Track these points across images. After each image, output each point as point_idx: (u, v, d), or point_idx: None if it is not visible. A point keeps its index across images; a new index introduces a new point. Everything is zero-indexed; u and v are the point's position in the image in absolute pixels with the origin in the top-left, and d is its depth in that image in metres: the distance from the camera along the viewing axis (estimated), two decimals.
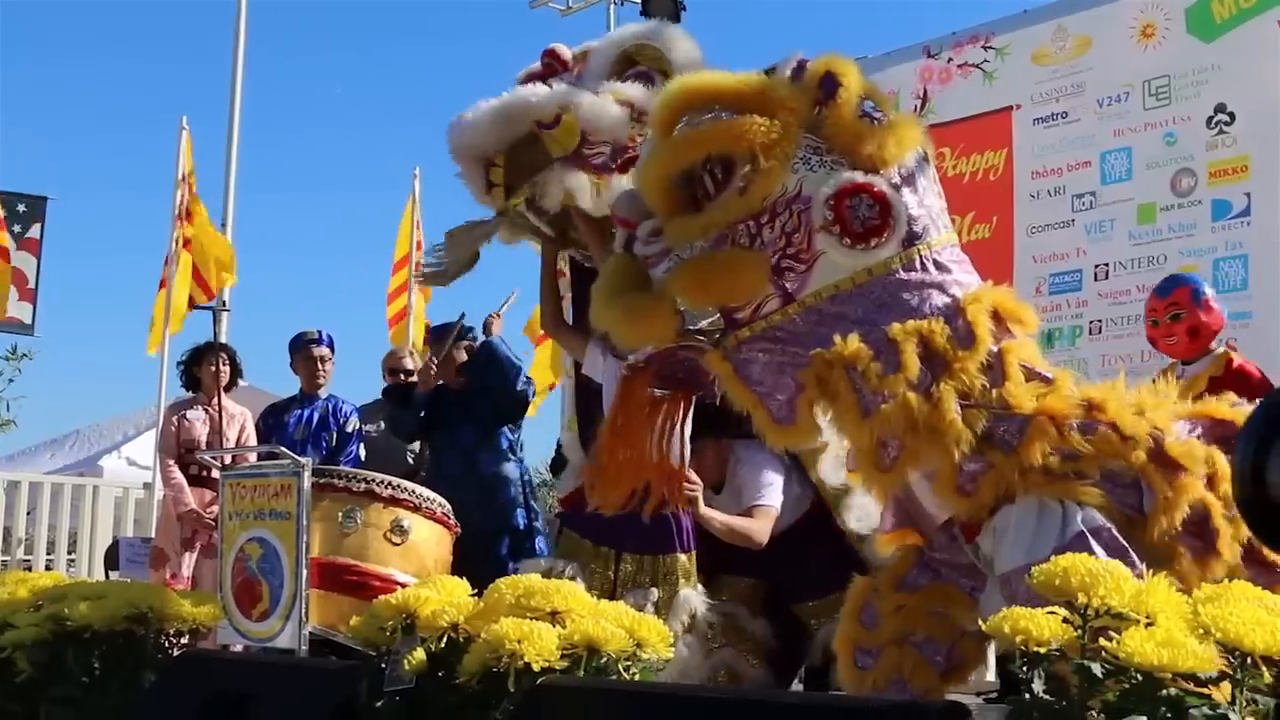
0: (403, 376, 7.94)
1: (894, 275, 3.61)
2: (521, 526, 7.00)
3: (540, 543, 7.00)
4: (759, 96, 3.66)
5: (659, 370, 4.02)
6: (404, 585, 4.60)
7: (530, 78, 5.38)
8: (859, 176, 3.59)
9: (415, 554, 5.39)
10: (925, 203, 3.71)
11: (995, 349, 3.56)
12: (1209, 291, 6.06)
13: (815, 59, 3.76)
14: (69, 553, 12.38)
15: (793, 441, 3.88)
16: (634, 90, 5.16)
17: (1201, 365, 5.95)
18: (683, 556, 5.16)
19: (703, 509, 5.12)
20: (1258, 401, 3.47)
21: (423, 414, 7.01)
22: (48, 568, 11.41)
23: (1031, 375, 3.57)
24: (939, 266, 3.67)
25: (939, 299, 3.61)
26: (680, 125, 3.75)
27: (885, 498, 3.82)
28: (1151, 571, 2.53)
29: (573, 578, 3.82)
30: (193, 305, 9.90)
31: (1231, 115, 7.61)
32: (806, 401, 3.59)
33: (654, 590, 5.05)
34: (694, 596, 5.11)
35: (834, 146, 3.65)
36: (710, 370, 3.79)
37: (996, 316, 3.62)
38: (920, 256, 3.64)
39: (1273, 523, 0.96)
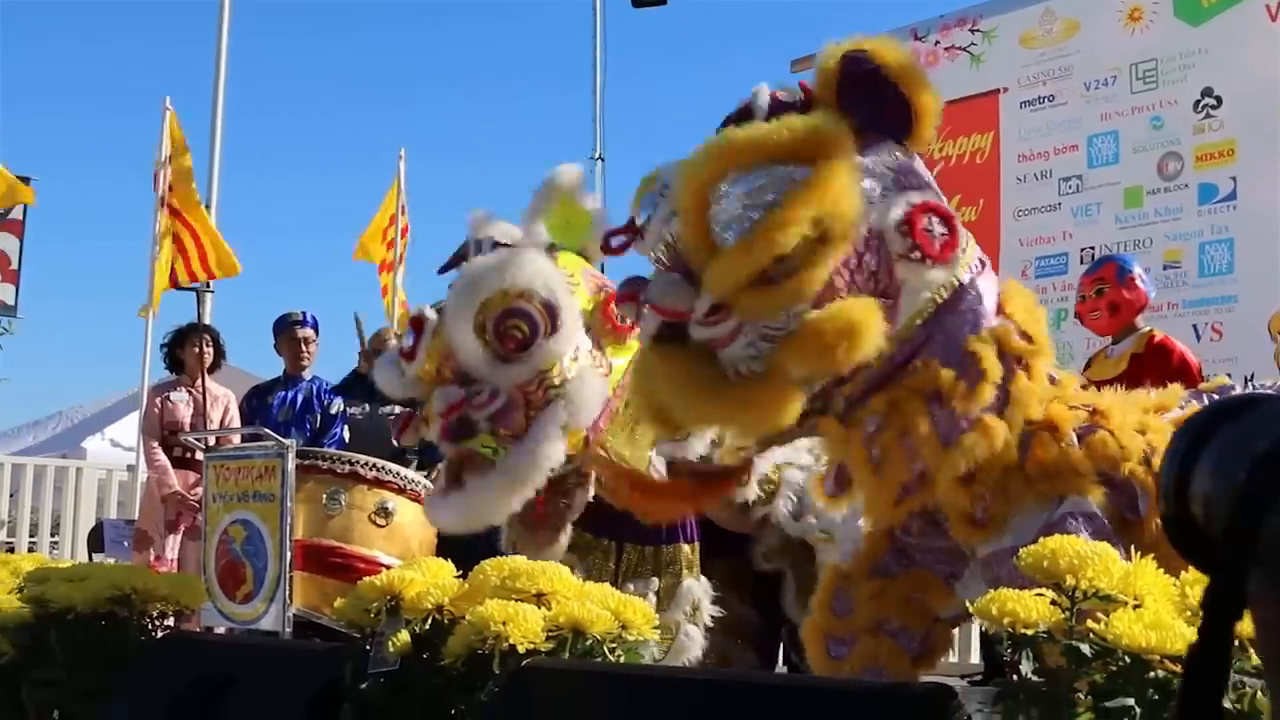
0: None
1: (961, 285, 3.43)
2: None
3: None
4: (811, 142, 3.25)
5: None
6: (388, 567, 4.59)
7: (443, 429, 4.62)
8: (915, 197, 3.38)
9: (400, 536, 5.39)
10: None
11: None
12: (1137, 270, 6.13)
13: (823, 50, 3.44)
14: (52, 535, 12.34)
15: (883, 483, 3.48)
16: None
17: (1127, 343, 6.07)
18: (685, 547, 5.15)
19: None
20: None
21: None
22: (31, 550, 11.37)
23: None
24: (980, 270, 3.51)
25: (988, 300, 3.47)
26: (721, 191, 3.26)
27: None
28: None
29: (570, 568, 3.79)
30: (175, 285, 9.84)
31: (1218, 99, 7.63)
32: (892, 440, 3.32)
33: (655, 580, 5.04)
34: (696, 587, 5.10)
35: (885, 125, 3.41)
36: (827, 441, 3.51)
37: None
38: (970, 263, 3.47)
39: (1194, 538, 0.95)
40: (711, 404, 3.28)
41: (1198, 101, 7.71)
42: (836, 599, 3.62)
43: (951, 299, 3.40)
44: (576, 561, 4.93)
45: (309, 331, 7.97)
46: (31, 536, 12.05)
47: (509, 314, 4.32)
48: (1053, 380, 3.49)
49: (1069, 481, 3.32)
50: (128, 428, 12.91)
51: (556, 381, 4.40)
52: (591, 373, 4.52)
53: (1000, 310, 3.48)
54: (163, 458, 7.90)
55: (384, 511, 5.36)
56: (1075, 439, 3.36)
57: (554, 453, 4.31)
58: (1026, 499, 3.32)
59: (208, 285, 9.69)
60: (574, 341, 4.49)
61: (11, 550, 11.12)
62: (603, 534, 5.15)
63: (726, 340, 3.23)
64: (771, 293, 3.20)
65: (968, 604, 2.31)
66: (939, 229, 3.36)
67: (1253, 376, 7.02)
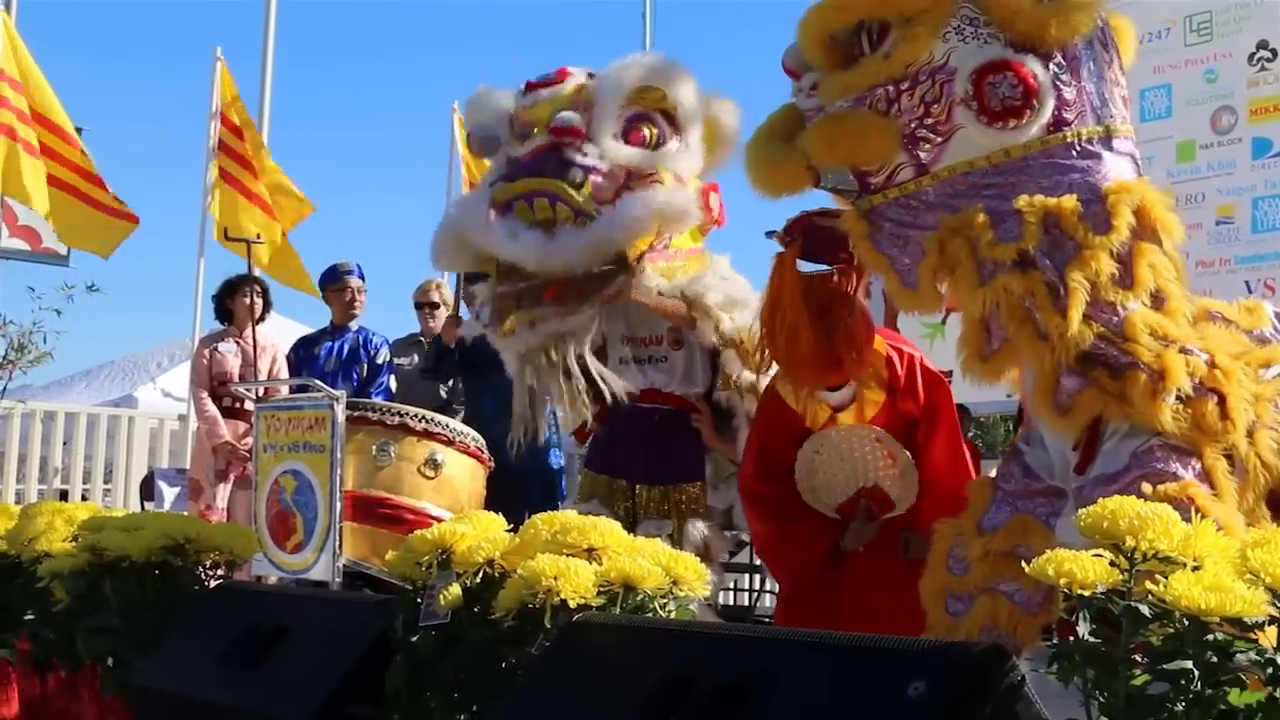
0: (427, 309, 7.95)
1: (1032, 158, 3.44)
2: (556, 466, 7.05)
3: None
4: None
5: (804, 240, 4.13)
6: (437, 519, 4.61)
7: (538, 151, 4.85)
8: (1010, 54, 3.42)
9: (449, 488, 5.41)
10: (1087, 89, 3.49)
11: (1127, 246, 3.36)
12: None
13: None
14: (105, 483, 12.46)
15: (919, 308, 3.61)
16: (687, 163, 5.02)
17: None
18: (693, 488, 5.21)
19: (712, 438, 5.18)
20: None
21: (457, 357, 6.98)
22: (84, 498, 11.50)
23: (1157, 296, 3.39)
24: (1088, 155, 3.46)
25: (1080, 183, 3.42)
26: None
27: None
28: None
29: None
30: (227, 237, 9.89)
31: (1273, 52, 7.53)
32: (928, 269, 3.46)
33: (668, 522, 5.09)
34: (701, 526, 5.16)
35: (993, 19, 3.46)
36: (844, 230, 3.68)
37: (1141, 215, 3.39)
38: (1065, 143, 3.45)
39: None
40: (748, 150, 3.80)
41: (1252, 54, 7.60)
42: (952, 556, 3.60)
43: (1008, 165, 3.43)
44: (601, 508, 4.99)
45: (360, 282, 8.00)
46: (85, 485, 12.18)
47: (651, 116, 4.95)
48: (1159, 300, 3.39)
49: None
50: (179, 377, 13.00)
51: (665, 182, 4.87)
52: (691, 205, 4.87)
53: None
54: (212, 408, 7.95)
55: (433, 463, 5.39)
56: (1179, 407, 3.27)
57: (638, 229, 4.73)
58: (1112, 413, 3.28)
59: (257, 236, 9.73)
60: (693, 168, 5.02)
61: (64, 497, 11.25)
62: (616, 475, 5.23)
63: (811, 114, 3.63)
64: (835, 81, 3.57)
65: (1023, 565, 2.29)
66: (1006, 90, 3.38)
67: None
